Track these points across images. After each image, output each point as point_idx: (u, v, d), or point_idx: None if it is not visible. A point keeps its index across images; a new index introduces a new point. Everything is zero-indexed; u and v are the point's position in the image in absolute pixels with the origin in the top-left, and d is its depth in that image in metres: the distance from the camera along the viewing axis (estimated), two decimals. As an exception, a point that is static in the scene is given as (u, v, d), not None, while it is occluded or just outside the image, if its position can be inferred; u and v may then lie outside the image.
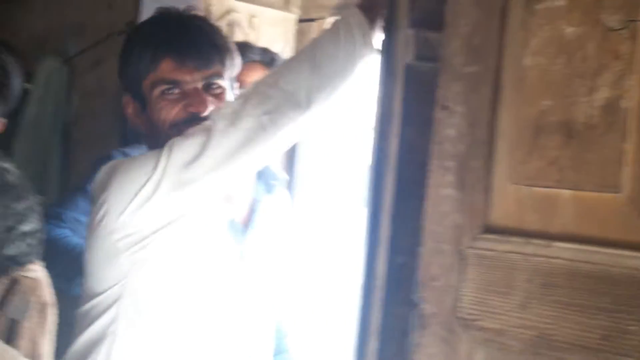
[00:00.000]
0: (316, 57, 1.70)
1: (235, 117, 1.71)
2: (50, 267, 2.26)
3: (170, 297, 1.78)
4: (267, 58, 2.55)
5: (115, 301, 1.72)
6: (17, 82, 2.00)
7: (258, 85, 1.76)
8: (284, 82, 1.71)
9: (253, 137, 1.71)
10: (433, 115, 1.64)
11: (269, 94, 1.71)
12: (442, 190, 1.24)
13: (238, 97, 1.80)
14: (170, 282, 1.80)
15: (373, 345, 1.67)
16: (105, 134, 3.39)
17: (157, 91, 1.86)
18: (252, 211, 2.01)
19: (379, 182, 1.71)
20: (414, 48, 1.67)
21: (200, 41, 1.90)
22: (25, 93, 3.61)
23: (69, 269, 2.25)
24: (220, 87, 1.90)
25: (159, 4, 2.87)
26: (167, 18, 2.01)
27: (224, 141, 1.70)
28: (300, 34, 3.29)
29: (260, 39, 3.12)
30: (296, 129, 1.75)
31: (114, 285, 1.72)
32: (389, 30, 1.73)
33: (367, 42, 1.71)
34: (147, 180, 1.69)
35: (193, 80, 1.86)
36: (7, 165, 1.50)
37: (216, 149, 1.70)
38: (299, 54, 1.76)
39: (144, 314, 1.75)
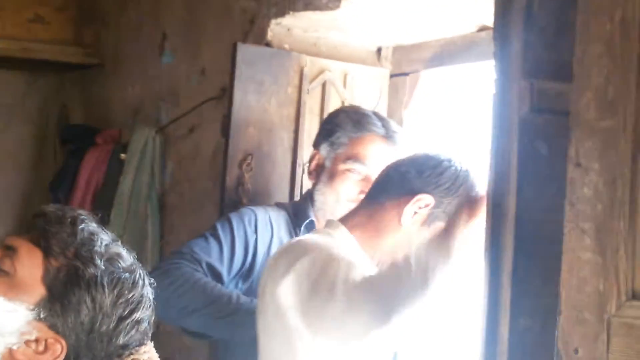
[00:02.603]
0: (386, 299, 1.76)
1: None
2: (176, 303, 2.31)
3: None
4: (389, 132, 2.56)
5: None
6: None
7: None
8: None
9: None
10: (553, 171, 1.56)
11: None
12: (580, 255, 1.15)
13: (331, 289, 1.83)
14: None
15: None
16: (202, 199, 3.37)
17: None
18: None
19: (497, 242, 1.63)
20: (529, 100, 1.59)
21: None
22: (121, 163, 3.65)
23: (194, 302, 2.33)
24: None
25: (253, 69, 2.88)
26: None
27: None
28: (393, 88, 3.24)
29: (354, 96, 3.08)
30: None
31: None
32: (500, 83, 1.66)
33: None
34: None
35: None
36: (120, 250, 1.47)
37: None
38: (374, 286, 1.82)
39: None
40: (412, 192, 2.00)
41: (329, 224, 2.10)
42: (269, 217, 2.54)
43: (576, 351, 1.17)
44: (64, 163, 4.28)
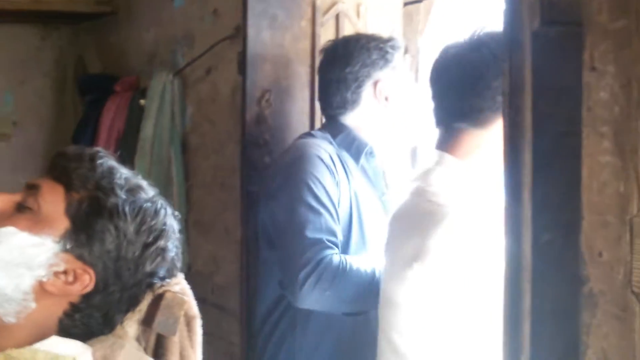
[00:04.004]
0: None
1: None
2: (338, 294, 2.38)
3: None
4: None
5: None
6: None
7: None
8: None
9: None
10: (569, 82, 1.56)
11: None
12: (599, 158, 1.16)
13: None
14: None
15: (526, 328, 1.59)
16: (223, 138, 3.39)
17: None
18: None
19: (516, 158, 1.63)
20: (540, 13, 1.58)
21: None
22: (141, 109, 3.66)
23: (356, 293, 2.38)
24: None
25: (265, 4, 2.87)
26: None
27: None
28: (407, 16, 3.22)
29: (368, 27, 3.06)
30: None
31: None
32: (510, -2, 1.65)
33: None
34: None
35: None
36: (141, 182, 1.49)
37: None
38: None
39: None
40: (489, 119, 2.02)
41: (440, 159, 2.08)
42: (330, 155, 2.51)
43: (600, 254, 1.18)
44: (84, 114, 4.30)
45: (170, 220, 1.48)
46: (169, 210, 1.49)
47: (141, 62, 4.00)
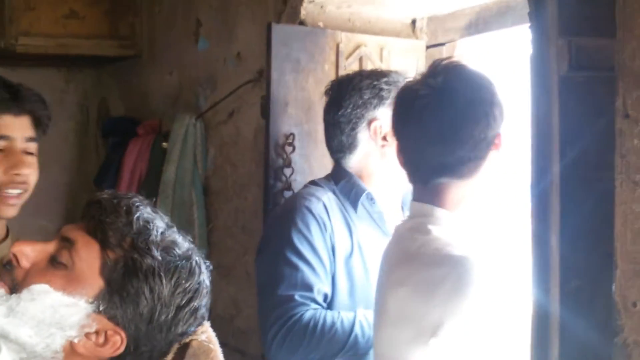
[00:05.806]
0: None
1: None
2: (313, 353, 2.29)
3: None
4: None
5: None
6: None
7: None
8: None
9: None
10: (597, 128, 1.54)
11: None
12: (633, 207, 1.14)
13: None
14: None
15: (554, 376, 1.57)
16: (245, 181, 3.39)
17: None
18: None
19: (544, 203, 1.62)
20: (568, 58, 1.57)
21: None
22: (164, 152, 3.67)
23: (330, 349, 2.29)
24: None
25: (288, 48, 2.88)
26: None
27: None
28: (430, 59, 3.22)
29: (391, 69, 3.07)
30: None
31: None
32: (537, 42, 1.64)
33: None
34: None
35: None
36: (175, 237, 1.45)
37: None
38: None
39: None
40: (475, 168, 1.87)
41: (426, 211, 1.94)
42: (323, 204, 2.43)
43: (634, 304, 1.16)
44: (106, 156, 4.32)
45: (204, 277, 1.45)
46: (203, 267, 1.46)
47: (164, 104, 4.02)
